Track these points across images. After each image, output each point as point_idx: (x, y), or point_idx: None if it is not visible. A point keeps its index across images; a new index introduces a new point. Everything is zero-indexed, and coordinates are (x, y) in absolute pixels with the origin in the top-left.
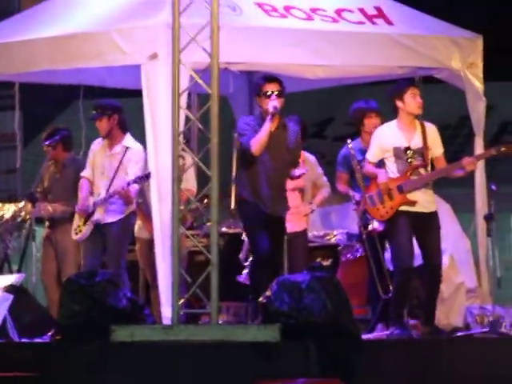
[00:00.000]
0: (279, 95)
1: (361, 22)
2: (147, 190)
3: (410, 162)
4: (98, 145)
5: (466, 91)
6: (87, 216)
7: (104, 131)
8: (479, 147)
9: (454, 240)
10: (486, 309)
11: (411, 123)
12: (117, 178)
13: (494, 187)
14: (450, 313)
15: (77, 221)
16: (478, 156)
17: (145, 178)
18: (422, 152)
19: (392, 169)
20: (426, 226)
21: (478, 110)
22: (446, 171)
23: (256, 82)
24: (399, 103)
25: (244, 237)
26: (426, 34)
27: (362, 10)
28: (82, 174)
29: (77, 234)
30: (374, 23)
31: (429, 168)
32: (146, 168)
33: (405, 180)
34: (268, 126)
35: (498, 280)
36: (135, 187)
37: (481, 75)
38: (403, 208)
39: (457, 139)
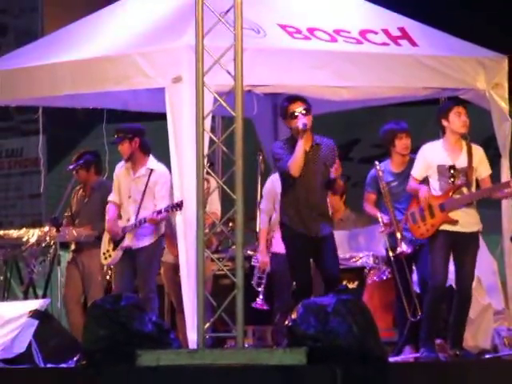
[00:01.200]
0: (306, 113)
1: (385, 44)
2: (172, 214)
3: (454, 180)
4: (121, 168)
5: (491, 112)
6: (117, 241)
7: (126, 155)
8: (505, 168)
9: (480, 261)
10: None
11: (457, 143)
12: (145, 201)
13: None
14: (478, 335)
15: (106, 245)
16: None
17: (176, 206)
18: (466, 172)
19: (435, 186)
20: (464, 247)
21: (503, 131)
22: (489, 191)
23: (281, 104)
24: (444, 122)
25: (254, 262)
26: (450, 54)
27: (386, 31)
28: (109, 198)
29: (106, 258)
30: (398, 44)
31: (472, 188)
32: (171, 190)
33: (447, 198)
34: (301, 145)
35: None
36: (165, 215)
37: (506, 96)
38: (444, 227)
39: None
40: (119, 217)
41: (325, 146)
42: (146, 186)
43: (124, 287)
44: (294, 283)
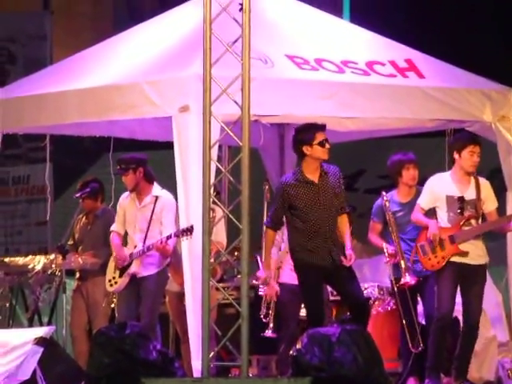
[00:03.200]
0: (328, 142)
1: (392, 75)
2: (177, 242)
3: (462, 212)
4: (126, 199)
5: (497, 144)
6: (123, 268)
7: (130, 185)
8: (511, 201)
9: (485, 293)
10: None
11: (465, 176)
12: (151, 229)
13: None
14: (482, 366)
15: (111, 272)
16: None
17: (187, 231)
18: (475, 203)
19: (443, 218)
20: (471, 279)
21: (509, 163)
22: (498, 223)
23: (304, 130)
24: (456, 155)
25: (261, 291)
26: (457, 86)
27: (393, 63)
28: (112, 228)
29: (112, 285)
30: (405, 76)
31: (479, 220)
32: (177, 217)
33: (457, 230)
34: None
35: None
36: (174, 240)
37: None
38: (453, 259)
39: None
40: (124, 245)
41: (332, 174)
42: (152, 213)
43: (127, 314)
44: (305, 314)
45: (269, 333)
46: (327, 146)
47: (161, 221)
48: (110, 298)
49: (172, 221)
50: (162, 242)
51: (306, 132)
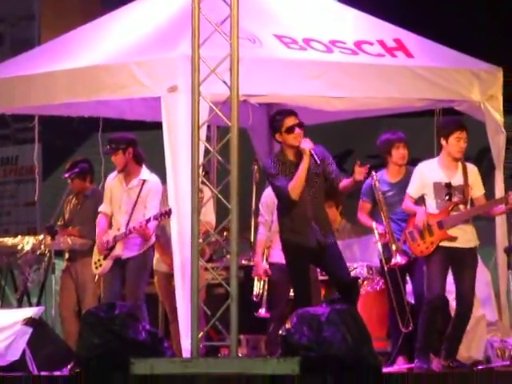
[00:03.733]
0: (301, 127)
1: (380, 55)
2: (166, 223)
3: (450, 198)
4: (113, 179)
5: (486, 124)
6: (107, 251)
7: (120, 165)
8: (499, 180)
9: None
10: (506, 342)
11: (451, 162)
12: (135, 212)
13: None
14: (471, 346)
15: (96, 255)
16: None
17: (165, 214)
18: (463, 189)
19: (431, 204)
20: (462, 263)
21: (498, 143)
22: (486, 207)
23: (273, 118)
24: (443, 141)
25: (254, 274)
26: (445, 66)
27: (381, 43)
28: (100, 209)
29: (97, 268)
30: (393, 56)
31: (468, 205)
32: (164, 201)
33: (445, 216)
34: (305, 170)
35: None
36: (154, 223)
37: (501, 108)
38: (442, 243)
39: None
40: (110, 226)
41: (315, 154)
42: (137, 197)
43: (112, 296)
44: (293, 294)
45: (262, 312)
46: (297, 131)
47: (145, 204)
48: (99, 278)
49: (156, 205)
50: (141, 226)
51: (275, 119)
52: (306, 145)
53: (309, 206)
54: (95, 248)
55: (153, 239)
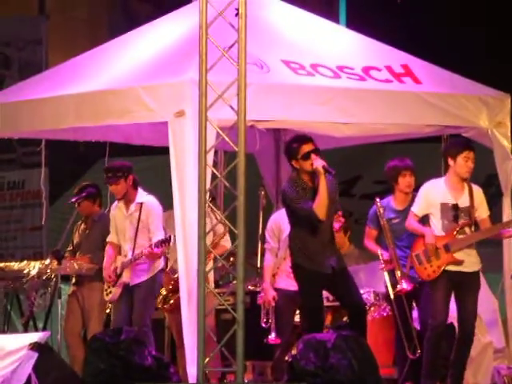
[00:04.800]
0: (317, 153)
1: (388, 81)
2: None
3: (457, 220)
4: (115, 208)
5: (493, 150)
6: (116, 278)
7: (120, 194)
8: (507, 207)
9: (481, 299)
10: None
11: (459, 183)
12: (139, 236)
13: None
14: (478, 373)
15: (106, 283)
16: None
17: (165, 241)
18: (469, 211)
19: (437, 225)
20: (466, 287)
21: (505, 169)
22: (494, 230)
23: (290, 145)
24: (451, 161)
25: (259, 300)
26: (453, 92)
27: (389, 68)
28: (108, 239)
29: (107, 295)
30: (401, 81)
31: (473, 228)
32: (171, 225)
33: (451, 239)
34: (325, 187)
35: None
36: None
37: (509, 134)
38: (448, 267)
39: (484, 197)
40: (119, 253)
41: (328, 182)
42: (138, 221)
43: (121, 323)
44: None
45: (272, 338)
46: (313, 157)
47: (148, 228)
48: (105, 303)
49: (159, 225)
50: (148, 251)
51: (292, 146)
52: (318, 163)
53: (325, 231)
54: (105, 277)
55: (161, 264)
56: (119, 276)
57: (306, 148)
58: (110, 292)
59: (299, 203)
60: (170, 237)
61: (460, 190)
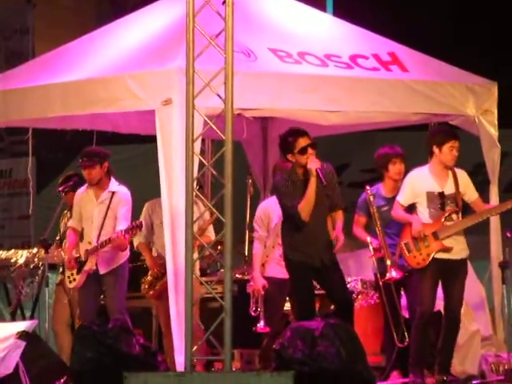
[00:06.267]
0: (314, 147)
1: (375, 69)
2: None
3: (443, 207)
4: (82, 194)
5: (480, 138)
6: (80, 265)
7: (95, 180)
8: (494, 195)
9: (468, 287)
10: (501, 357)
11: (442, 170)
12: (106, 224)
13: (509, 234)
14: (465, 360)
15: (69, 269)
16: None
17: (136, 227)
18: (455, 197)
19: (424, 214)
20: (453, 274)
21: (492, 157)
22: (484, 215)
23: (285, 139)
24: (436, 150)
25: (249, 289)
26: (440, 80)
27: (376, 57)
28: (70, 224)
29: (70, 282)
30: (388, 69)
31: (460, 214)
32: (158, 214)
33: (439, 226)
34: (313, 190)
35: None
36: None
37: (496, 122)
38: (437, 255)
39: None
40: (80, 239)
41: (325, 176)
42: (107, 209)
43: (88, 311)
44: (293, 311)
45: (261, 327)
46: (310, 151)
47: (116, 215)
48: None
49: (125, 215)
50: (118, 236)
51: (287, 140)
52: (313, 165)
53: (317, 225)
54: (66, 263)
55: (127, 252)
56: (82, 263)
57: (303, 142)
58: (74, 279)
59: (286, 200)
60: (140, 223)
61: (444, 177)
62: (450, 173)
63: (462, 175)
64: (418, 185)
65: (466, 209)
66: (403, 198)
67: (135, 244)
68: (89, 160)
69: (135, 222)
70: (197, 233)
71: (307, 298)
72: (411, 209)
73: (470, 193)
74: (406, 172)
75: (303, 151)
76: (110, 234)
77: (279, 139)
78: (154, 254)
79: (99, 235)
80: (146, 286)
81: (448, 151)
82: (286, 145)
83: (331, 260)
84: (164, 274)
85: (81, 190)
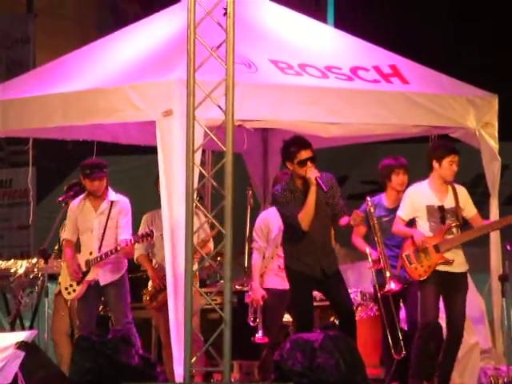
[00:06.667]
0: (313, 161)
1: (376, 81)
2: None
3: (443, 221)
4: (79, 205)
5: (481, 151)
6: (81, 276)
7: (101, 190)
8: (494, 207)
9: (468, 300)
10: (500, 369)
11: (442, 185)
12: (106, 235)
13: (509, 247)
14: (464, 373)
15: (67, 280)
16: None
17: (146, 236)
18: (455, 212)
19: (424, 227)
20: (455, 288)
21: (493, 170)
22: (484, 230)
23: (288, 147)
24: (436, 164)
25: (247, 299)
26: (441, 92)
27: (377, 69)
28: (64, 236)
29: (70, 293)
30: (389, 82)
31: (460, 228)
32: (158, 225)
33: (440, 239)
34: (313, 199)
35: None
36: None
37: (496, 135)
38: (438, 267)
39: (472, 198)
40: (78, 251)
41: (325, 184)
42: (107, 219)
43: (87, 322)
44: (293, 322)
45: (259, 337)
46: (309, 165)
47: (117, 225)
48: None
49: (128, 224)
50: (127, 244)
51: (290, 150)
52: (312, 174)
53: (317, 234)
54: (62, 273)
55: (126, 263)
56: (85, 274)
57: (304, 155)
58: (74, 290)
59: (286, 209)
60: (151, 231)
61: (444, 191)
62: (449, 188)
63: (462, 191)
64: (418, 199)
65: (465, 224)
66: (404, 213)
67: (135, 256)
68: (100, 171)
69: (145, 230)
70: (199, 245)
71: (306, 309)
72: (411, 224)
73: (468, 208)
74: (409, 184)
75: (302, 164)
76: (112, 244)
77: (282, 145)
78: (155, 265)
79: (101, 246)
80: (148, 298)
81: (448, 166)
82: (287, 153)
83: (332, 270)
84: (166, 286)
85: (76, 201)
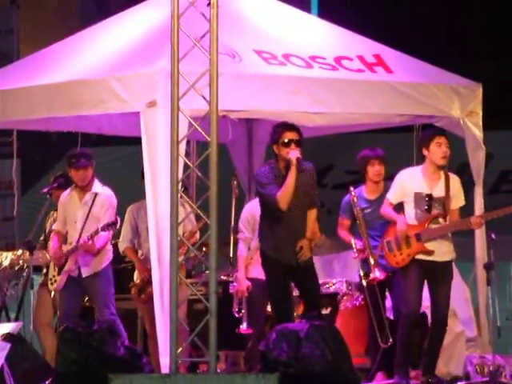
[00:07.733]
0: (298, 144)
1: (360, 70)
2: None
3: (430, 209)
4: (67, 196)
5: (465, 139)
6: (60, 266)
7: (88, 179)
8: (479, 196)
9: (453, 289)
10: (485, 358)
11: (435, 172)
12: (87, 226)
13: (493, 236)
14: (450, 361)
15: (52, 271)
16: (485, 216)
17: (111, 225)
18: (443, 201)
19: (410, 214)
20: (439, 276)
21: (477, 159)
22: (460, 226)
23: (274, 129)
24: (425, 151)
25: (231, 289)
26: (425, 82)
27: (361, 58)
28: (55, 227)
29: (52, 284)
30: (373, 71)
31: (447, 218)
32: (143, 216)
33: (423, 229)
34: (293, 179)
35: (498, 329)
36: (106, 236)
37: (480, 124)
38: (418, 256)
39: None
40: (65, 242)
41: (307, 173)
42: (89, 211)
43: (69, 313)
44: (271, 310)
45: (244, 328)
46: (292, 146)
47: (99, 217)
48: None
49: (107, 218)
50: (84, 241)
51: (276, 130)
52: (293, 154)
53: (297, 223)
54: (50, 264)
55: (110, 254)
56: (64, 264)
57: (289, 135)
58: (55, 281)
59: (266, 189)
60: (116, 219)
61: (436, 179)
62: (442, 176)
63: (455, 180)
64: (408, 184)
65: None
66: (393, 196)
67: (121, 249)
68: (85, 160)
69: (110, 219)
70: (186, 236)
71: (284, 296)
72: (399, 208)
73: (456, 200)
74: (389, 174)
75: (286, 144)
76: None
77: (271, 129)
78: (141, 257)
79: (80, 236)
80: (136, 291)
81: (436, 148)
82: (273, 134)
83: (307, 263)
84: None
85: (66, 193)
